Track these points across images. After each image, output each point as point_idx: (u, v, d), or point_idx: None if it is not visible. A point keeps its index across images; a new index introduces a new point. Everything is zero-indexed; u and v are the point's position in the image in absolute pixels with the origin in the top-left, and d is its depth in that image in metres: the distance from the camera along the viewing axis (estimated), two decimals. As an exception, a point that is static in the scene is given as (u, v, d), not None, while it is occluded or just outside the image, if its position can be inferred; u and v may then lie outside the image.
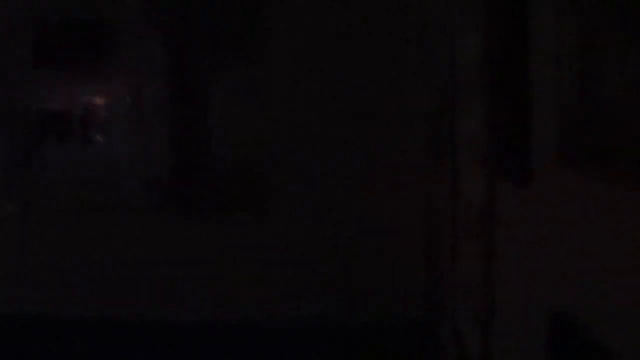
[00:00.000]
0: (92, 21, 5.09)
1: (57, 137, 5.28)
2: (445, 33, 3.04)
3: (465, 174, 2.70)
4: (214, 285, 4.86)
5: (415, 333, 4.46)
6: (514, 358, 2.22)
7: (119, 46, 5.07)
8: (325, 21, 4.62)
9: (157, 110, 5.07)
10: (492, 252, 2.43)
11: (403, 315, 4.53)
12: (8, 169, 5.30)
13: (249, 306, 4.80)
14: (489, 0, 2.39)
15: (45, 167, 5.27)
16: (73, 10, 5.08)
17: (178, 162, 5.04)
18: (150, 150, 5.08)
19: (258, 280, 4.79)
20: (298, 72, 4.67)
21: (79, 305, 5.09)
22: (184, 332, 4.91)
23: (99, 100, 5.23)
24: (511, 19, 2.14)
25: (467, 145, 2.63)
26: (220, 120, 4.92)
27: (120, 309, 5.02)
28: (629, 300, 1.24)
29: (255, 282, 4.80)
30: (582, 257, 1.53)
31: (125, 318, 5.01)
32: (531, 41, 1.97)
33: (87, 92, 5.23)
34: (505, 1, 2.20)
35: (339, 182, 4.64)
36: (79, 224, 5.18)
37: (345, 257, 4.63)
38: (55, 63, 5.19)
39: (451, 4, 2.93)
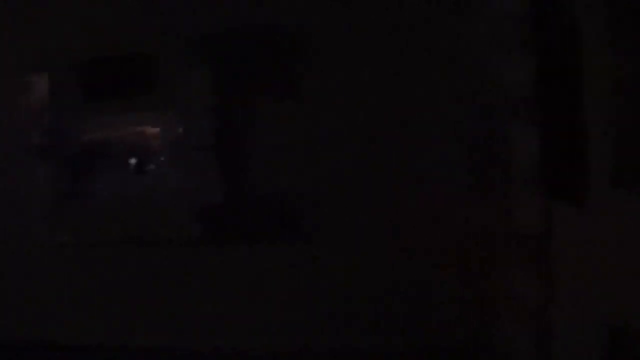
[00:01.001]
0: (141, 54, 5.17)
1: (106, 169, 5.36)
2: (493, 54, 3.07)
3: (518, 197, 2.71)
4: (263, 313, 4.88)
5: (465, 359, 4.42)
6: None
7: (168, 78, 5.13)
8: (367, 49, 4.65)
9: (205, 141, 5.11)
10: (549, 273, 2.43)
11: (452, 342, 4.50)
12: (59, 200, 5.39)
13: (298, 333, 4.81)
14: (540, 20, 2.41)
15: (96, 198, 5.34)
16: (123, 43, 5.18)
17: (226, 192, 5.07)
18: (199, 181, 5.12)
19: (306, 306, 4.80)
20: (343, 99, 4.69)
21: (128, 334, 5.15)
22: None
23: (148, 132, 5.30)
24: (562, 38, 2.16)
25: (520, 167, 2.64)
26: (266, 149, 4.96)
27: (170, 339, 5.06)
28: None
29: (303, 308, 4.81)
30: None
31: (174, 347, 5.03)
32: (585, 62, 1.98)
33: (136, 124, 5.30)
34: (556, 21, 2.22)
35: (386, 209, 4.64)
36: (129, 254, 5.23)
37: (392, 283, 4.62)
38: (105, 96, 5.28)
39: (499, 25, 2.96)
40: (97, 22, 5.21)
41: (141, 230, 5.21)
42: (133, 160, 5.32)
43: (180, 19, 5.03)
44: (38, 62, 5.40)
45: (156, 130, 5.29)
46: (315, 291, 4.80)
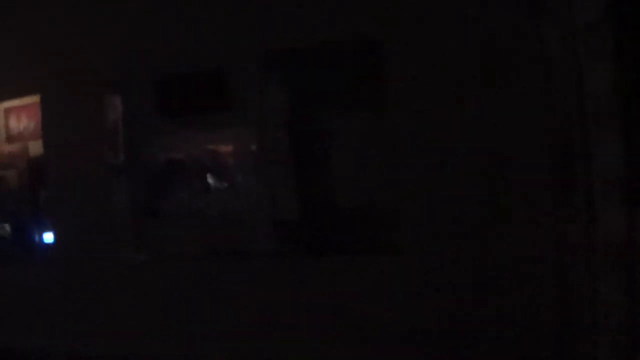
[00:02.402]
0: (216, 71, 5.22)
1: (183, 185, 5.42)
2: (573, 62, 3.00)
3: (602, 205, 2.63)
4: (347, 327, 4.85)
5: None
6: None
7: (243, 95, 5.16)
8: (446, 60, 4.60)
9: (281, 156, 5.12)
10: (635, 283, 2.35)
11: (536, 355, 4.40)
12: (137, 217, 5.47)
13: (381, 348, 4.77)
14: (618, 27, 2.35)
15: (173, 215, 5.40)
16: (198, 61, 5.23)
17: (304, 206, 5.06)
18: (276, 195, 5.13)
19: (389, 320, 4.75)
20: (424, 111, 4.65)
21: (209, 349, 5.18)
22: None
23: (224, 148, 5.34)
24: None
25: (603, 176, 2.57)
26: (344, 162, 4.94)
27: (252, 352, 5.08)
28: None
29: (386, 322, 4.77)
30: None
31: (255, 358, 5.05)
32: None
33: (212, 141, 5.35)
34: (635, 28, 2.16)
35: (468, 220, 4.58)
36: (207, 269, 5.27)
37: (476, 296, 4.55)
38: (180, 113, 5.35)
39: (578, 33, 2.89)
40: (173, 40, 5.28)
41: (218, 245, 5.26)
42: (209, 177, 5.37)
43: (256, 35, 5.06)
44: (114, 80, 5.51)
45: (232, 146, 5.33)
46: (396, 306, 4.75)
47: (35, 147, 5.92)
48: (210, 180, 5.38)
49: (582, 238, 3.08)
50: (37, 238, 5.95)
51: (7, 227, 6.11)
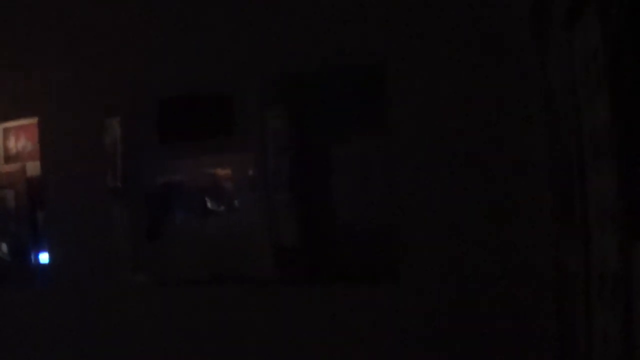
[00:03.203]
0: (215, 95, 5.24)
1: (183, 209, 5.41)
2: (571, 95, 2.99)
3: (598, 237, 2.62)
4: (349, 356, 4.83)
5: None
6: None
7: (243, 118, 5.18)
8: (448, 88, 4.62)
9: (281, 180, 5.12)
10: (631, 318, 2.33)
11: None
12: (136, 241, 5.47)
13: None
14: (617, 61, 2.34)
15: (172, 239, 5.40)
16: (197, 84, 5.25)
17: (305, 232, 5.06)
18: (277, 221, 5.13)
19: (392, 349, 4.73)
20: (422, 139, 4.66)
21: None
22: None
23: (223, 172, 5.34)
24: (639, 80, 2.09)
25: (599, 207, 2.55)
26: (345, 188, 4.94)
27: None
28: None
29: (389, 350, 4.74)
30: None
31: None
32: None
33: (212, 165, 5.36)
34: (634, 61, 2.15)
35: (466, 246, 4.58)
36: (206, 295, 5.26)
37: (474, 323, 4.54)
38: (180, 136, 5.36)
39: (577, 65, 2.88)
40: (174, 63, 5.30)
41: (218, 269, 5.25)
42: (208, 201, 5.37)
43: (258, 60, 5.08)
44: (113, 103, 5.52)
45: (232, 170, 5.33)
46: (399, 336, 4.73)
47: (33, 168, 5.92)
48: (209, 204, 5.37)
49: (579, 269, 3.06)
50: (34, 259, 5.95)
51: (5, 247, 6.10)
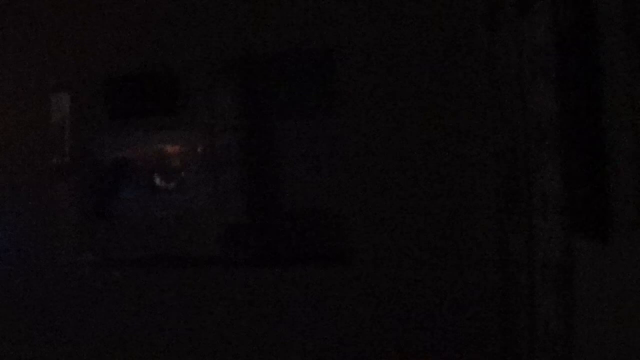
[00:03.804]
0: (164, 72, 5.19)
1: (131, 187, 5.36)
2: (518, 87, 3.02)
3: (542, 228, 2.66)
4: (294, 337, 4.85)
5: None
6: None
7: (192, 96, 5.15)
8: (396, 73, 4.64)
9: (230, 158, 5.11)
10: (572, 305, 2.38)
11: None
12: (84, 219, 5.40)
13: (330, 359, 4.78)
14: (563, 53, 2.37)
15: (120, 217, 5.34)
16: (146, 61, 5.19)
17: (253, 211, 5.05)
18: (225, 199, 5.11)
19: (339, 331, 4.76)
20: (371, 122, 4.68)
21: (152, 357, 5.14)
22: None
23: (172, 150, 5.30)
24: (586, 71, 2.12)
25: (544, 199, 2.59)
26: (294, 168, 4.94)
27: None
28: None
29: (336, 332, 4.77)
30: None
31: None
32: (607, 93, 1.95)
33: (160, 141, 5.31)
34: (579, 52, 2.18)
35: (414, 230, 4.61)
36: (153, 274, 5.23)
37: (421, 308, 4.59)
38: (129, 113, 5.30)
39: (524, 57, 2.92)
40: (121, 40, 5.23)
41: (165, 249, 5.21)
42: (157, 179, 5.33)
43: (207, 41, 5.04)
44: (60, 80, 5.43)
45: (181, 148, 5.29)
46: (346, 317, 4.76)
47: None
48: (158, 181, 5.33)
49: (524, 258, 3.11)
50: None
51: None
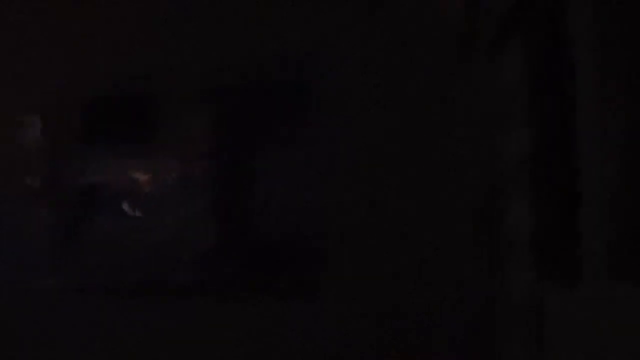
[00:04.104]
0: (139, 97, 5.18)
1: (103, 213, 5.32)
2: (492, 126, 3.02)
3: (513, 268, 2.64)
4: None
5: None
6: None
7: (166, 122, 5.13)
8: (370, 106, 4.65)
9: (203, 186, 5.09)
10: (542, 350, 2.36)
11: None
12: (53, 243, 5.34)
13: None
14: (536, 94, 2.36)
15: (91, 242, 5.29)
16: (121, 86, 5.17)
17: (225, 238, 5.03)
18: (197, 226, 5.09)
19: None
20: (347, 150, 4.67)
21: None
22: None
23: (144, 176, 5.27)
24: (559, 113, 2.11)
25: (515, 239, 2.58)
26: (267, 197, 4.93)
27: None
28: None
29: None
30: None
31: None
32: (580, 133, 1.93)
33: (133, 167, 5.28)
34: (552, 95, 2.17)
35: (387, 261, 4.60)
36: (124, 302, 5.17)
37: (393, 338, 4.56)
38: (101, 138, 5.27)
39: (499, 98, 2.91)
40: (95, 64, 5.20)
41: (136, 275, 5.16)
42: (128, 205, 5.28)
43: (181, 65, 5.03)
44: (33, 103, 5.38)
45: (153, 175, 5.26)
46: (321, 348, 4.72)
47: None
48: (130, 208, 5.29)
49: (494, 297, 3.09)
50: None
51: None
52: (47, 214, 5.34)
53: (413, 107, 4.54)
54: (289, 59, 4.82)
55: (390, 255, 4.57)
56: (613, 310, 1.63)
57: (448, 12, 4.27)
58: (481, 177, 3.30)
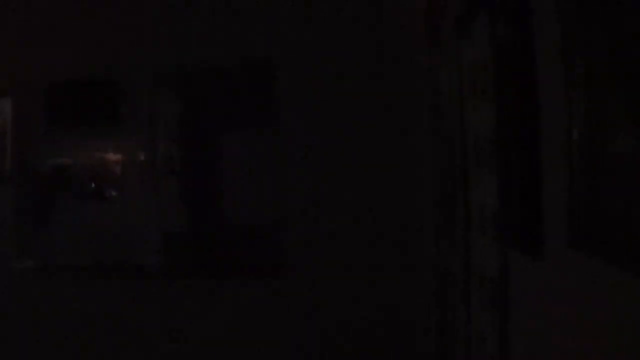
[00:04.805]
0: (106, 80, 5.17)
1: (71, 194, 5.31)
2: (456, 105, 3.06)
3: (478, 242, 2.70)
4: (227, 346, 4.84)
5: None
6: None
7: (133, 104, 5.13)
8: (335, 88, 4.68)
9: (170, 167, 5.11)
10: (507, 321, 2.41)
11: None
12: (24, 225, 5.33)
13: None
14: (500, 72, 2.41)
15: (60, 224, 5.29)
16: (88, 69, 5.16)
17: (191, 221, 5.05)
18: (164, 208, 5.10)
19: (271, 343, 4.77)
20: (310, 137, 4.71)
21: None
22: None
23: (113, 157, 5.27)
24: (522, 91, 2.16)
25: (480, 213, 2.63)
26: (233, 179, 4.96)
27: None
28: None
29: (268, 345, 4.77)
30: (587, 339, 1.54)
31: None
32: (543, 111, 1.98)
33: (101, 149, 5.28)
34: (517, 69, 2.22)
35: (350, 247, 4.64)
36: (92, 282, 5.18)
37: (356, 324, 4.62)
38: (70, 121, 5.26)
39: (463, 76, 2.96)
40: (64, 48, 5.18)
41: (104, 257, 5.17)
42: (97, 186, 5.29)
43: (151, 51, 5.03)
44: (2, 85, 5.36)
45: (122, 157, 5.26)
46: (284, 330, 4.76)
47: None
48: (99, 189, 5.29)
49: (460, 272, 3.15)
50: None
51: None
52: (17, 195, 5.33)
53: (378, 85, 4.59)
54: (253, 42, 4.85)
55: (356, 235, 4.63)
56: (572, 277, 1.70)
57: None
58: (448, 154, 3.36)
